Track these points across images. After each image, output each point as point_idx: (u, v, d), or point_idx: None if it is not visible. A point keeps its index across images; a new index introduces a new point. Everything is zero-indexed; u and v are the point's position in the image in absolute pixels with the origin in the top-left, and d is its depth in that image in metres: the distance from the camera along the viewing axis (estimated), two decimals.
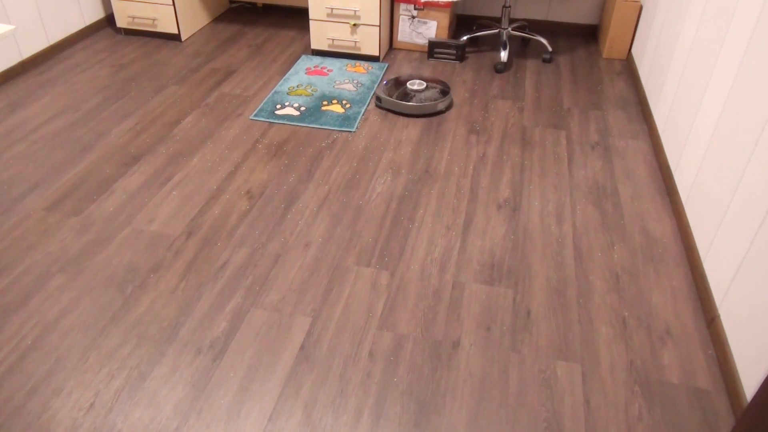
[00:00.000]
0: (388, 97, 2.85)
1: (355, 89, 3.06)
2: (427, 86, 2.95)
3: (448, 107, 2.93)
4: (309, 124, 2.74)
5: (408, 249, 2.02)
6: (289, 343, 1.67)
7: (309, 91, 3.04)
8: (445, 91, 2.93)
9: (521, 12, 3.80)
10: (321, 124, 2.74)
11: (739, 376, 1.53)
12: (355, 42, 3.33)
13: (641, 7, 3.29)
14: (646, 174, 2.45)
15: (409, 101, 2.83)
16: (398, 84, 2.98)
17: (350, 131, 2.70)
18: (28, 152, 2.53)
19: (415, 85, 2.95)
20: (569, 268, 1.96)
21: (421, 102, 2.83)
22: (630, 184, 2.39)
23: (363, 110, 2.87)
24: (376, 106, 2.91)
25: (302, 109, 2.87)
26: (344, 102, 2.94)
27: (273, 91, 3.03)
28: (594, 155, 2.58)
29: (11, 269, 1.92)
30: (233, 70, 3.27)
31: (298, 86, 3.08)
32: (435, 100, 2.85)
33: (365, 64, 3.33)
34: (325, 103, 2.93)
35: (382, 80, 3.16)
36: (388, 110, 2.88)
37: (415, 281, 1.89)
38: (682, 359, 1.65)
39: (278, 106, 2.89)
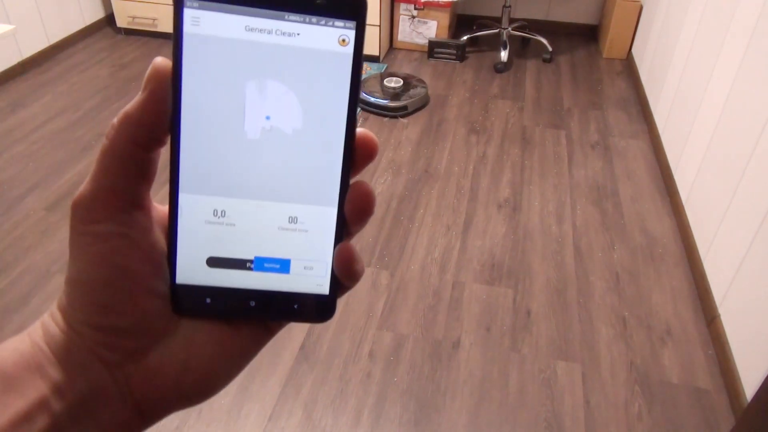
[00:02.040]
0: (377, 99, 2.84)
1: None
2: (403, 83, 2.96)
3: (425, 104, 2.95)
4: None
5: (408, 249, 2.02)
6: (289, 343, 1.67)
7: None
8: (422, 87, 2.94)
9: (521, 12, 3.79)
10: None
11: (739, 376, 1.53)
12: None
13: (641, 7, 3.29)
14: (646, 174, 2.45)
15: (388, 99, 2.84)
16: (371, 79, 3.00)
17: None
18: (28, 152, 2.53)
19: (392, 82, 2.95)
20: (569, 268, 1.96)
21: (404, 100, 2.85)
22: (630, 184, 2.39)
23: (359, 110, 2.86)
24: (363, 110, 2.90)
25: None
26: None
27: None
28: (594, 155, 2.58)
29: (11, 269, 1.92)
30: None
31: None
32: (412, 97, 2.86)
33: (364, 64, 3.33)
34: None
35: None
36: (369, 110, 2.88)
37: (415, 281, 1.89)
38: (682, 359, 1.65)
39: None
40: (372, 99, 2.84)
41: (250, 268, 0.26)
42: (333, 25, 0.24)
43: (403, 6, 3.40)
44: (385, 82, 2.96)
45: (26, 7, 3.10)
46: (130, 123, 0.24)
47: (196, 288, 0.26)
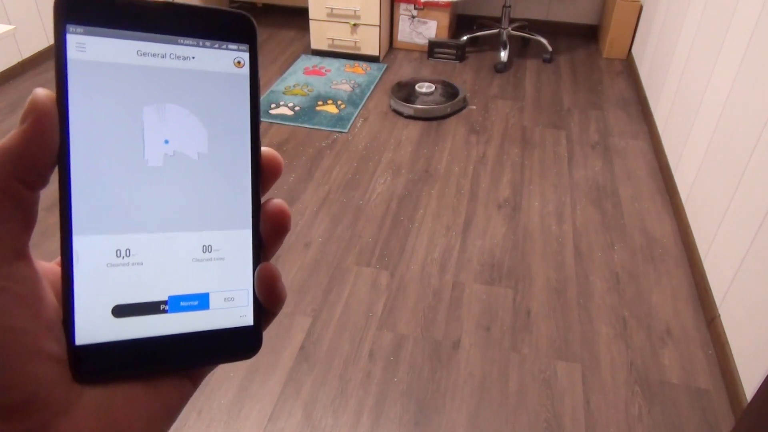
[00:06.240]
0: (417, 106, 2.78)
1: (351, 89, 3.05)
2: (435, 88, 2.93)
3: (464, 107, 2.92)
4: (302, 123, 2.74)
5: (408, 249, 2.02)
6: (289, 343, 1.67)
7: (305, 90, 3.04)
8: (454, 93, 2.90)
9: (521, 12, 3.80)
10: (314, 124, 2.73)
11: (739, 376, 1.53)
12: (355, 42, 3.33)
13: (641, 7, 3.29)
14: (646, 174, 2.45)
15: (415, 103, 2.80)
16: (402, 87, 2.95)
17: (343, 132, 2.69)
18: None
19: (423, 87, 2.91)
20: (569, 268, 1.96)
21: (428, 105, 2.82)
22: (630, 184, 2.39)
23: (357, 111, 2.86)
24: (397, 112, 2.84)
25: (296, 108, 2.86)
26: (339, 102, 2.93)
27: (269, 90, 3.03)
28: (594, 155, 2.58)
29: None
30: None
31: (294, 86, 3.08)
32: (442, 104, 2.83)
33: (364, 64, 3.33)
34: (320, 103, 2.92)
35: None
36: (412, 116, 2.86)
37: (415, 281, 1.89)
38: (682, 359, 1.65)
39: (273, 106, 2.89)
40: (420, 106, 2.78)
41: (164, 311, 0.23)
42: (227, 48, 0.24)
43: (403, 6, 3.40)
44: (417, 87, 2.91)
45: (26, 7, 3.10)
46: (10, 158, 0.20)
47: (102, 346, 0.22)
